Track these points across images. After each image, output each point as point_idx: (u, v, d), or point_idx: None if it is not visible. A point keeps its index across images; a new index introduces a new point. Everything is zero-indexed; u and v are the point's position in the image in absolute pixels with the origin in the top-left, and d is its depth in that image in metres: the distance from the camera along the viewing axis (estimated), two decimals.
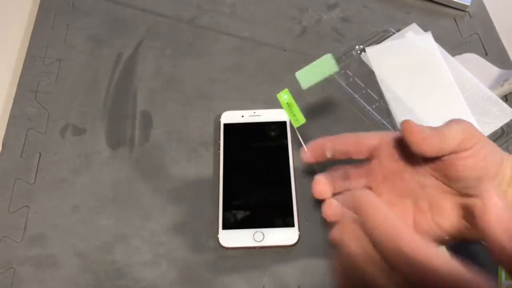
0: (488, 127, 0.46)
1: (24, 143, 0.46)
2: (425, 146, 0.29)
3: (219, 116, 0.47)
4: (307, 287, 0.39)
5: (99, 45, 0.53)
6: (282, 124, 0.46)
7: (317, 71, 0.37)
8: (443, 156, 0.30)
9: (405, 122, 0.30)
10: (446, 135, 0.29)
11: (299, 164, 0.44)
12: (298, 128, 0.36)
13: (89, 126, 0.47)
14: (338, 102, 0.48)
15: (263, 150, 0.45)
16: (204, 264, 0.40)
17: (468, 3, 0.55)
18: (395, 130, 0.46)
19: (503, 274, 0.38)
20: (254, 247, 0.40)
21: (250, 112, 0.47)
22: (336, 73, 0.38)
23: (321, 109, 0.48)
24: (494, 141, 0.45)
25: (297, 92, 0.37)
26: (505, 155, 0.31)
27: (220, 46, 0.53)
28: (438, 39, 0.51)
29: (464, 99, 0.47)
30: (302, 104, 0.48)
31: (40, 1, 0.56)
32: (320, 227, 0.41)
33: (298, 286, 0.39)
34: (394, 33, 0.53)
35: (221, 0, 0.56)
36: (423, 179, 0.32)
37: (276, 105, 0.48)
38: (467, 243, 0.33)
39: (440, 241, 0.33)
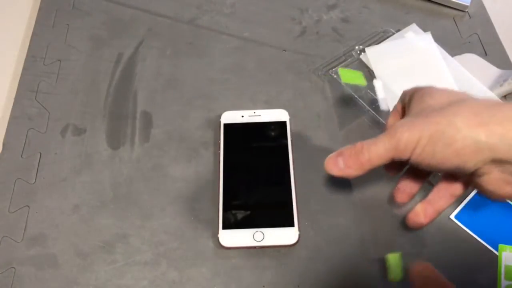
0: None
1: (25, 143, 0.46)
2: (347, 175, 0.34)
3: (219, 116, 0.47)
4: (307, 287, 0.39)
5: (99, 45, 0.53)
6: (282, 124, 0.46)
7: (354, 75, 0.46)
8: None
9: (325, 162, 0.34)
10: (366, 160, 0.32)
11: (299, 164, 0.44)
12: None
13: (90, 126, 0.47)
14: (337, 102, 0.49)
15: (263, 150, 0.45)
16: (204, 264, 0.40)
17: (467, 4, 0.55)
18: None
19: (502, 274, 0.39)
20: (254, 247, 0.40)
21: (250, 112, 0.47)
22: (364, 87, 0.46)
23: (320, 109, 0.48)
24: None
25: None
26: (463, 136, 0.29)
27: (220, 46, 0.53)
28: (437, 39, 0.51)
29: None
30: (300, 105, 0.48)
31: (41, 1, 0.56)
32: (320, 227, 0.41)
33: (298, 286, 0.39)
34: (393, 34, 0.53)
35: (221, 0, 0.57)
36: None
37: (276, 105, 0.48)
38: None
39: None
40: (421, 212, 0.35)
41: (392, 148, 0.31)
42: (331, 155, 0.35)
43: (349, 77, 0.45)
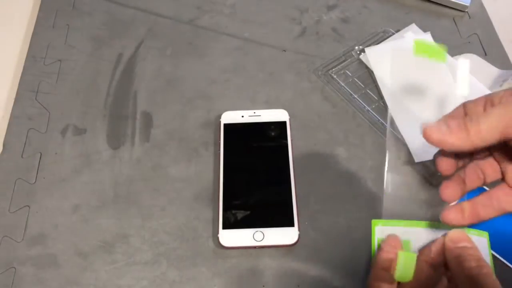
0: None
1: (25, 143, 0.46)
2: (447, 143, 0.27)
3: (219, 116, 0.47)
4: (307, 286, 0.39)
5: (99, 45, 0.53)
6: (282, 124, 0.46)
7: (432, 50, 0.37)
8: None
9: (424, 127, 0.28)
10: (475, 130, 0.27)
11: (299, 164, 0.44)
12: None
13: (90, 126, 0.47)
14: (337, 102, 0.49)
15: (263, 150, 0.45)
16: (204, 264, 0.40)
17: (467, 4, 0.55)
18: (393, 130, 0.46)
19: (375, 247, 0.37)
20: (254, 247, 0.40)
21: (250, 112, 0.47)
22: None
23: (320, 109, 0.48)
24: None
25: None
26: None
27: (220, 46, 0.53)
28: (437, 39, 0.51)
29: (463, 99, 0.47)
30: (300, 105, 0.48)
31: (41, 2, 0.56)
32: (320, 227, 0.41)
33: (298, 286, 0.39)
34: (393, 34, 0.53)
35: (221, 0, 0.57)
36: None
37: (276, 105, 0.48)
38: None
39: None
40: (467, 210, 0.31)
41: (509, 121, 0.26)
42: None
43: (426, 50, 0.36)
